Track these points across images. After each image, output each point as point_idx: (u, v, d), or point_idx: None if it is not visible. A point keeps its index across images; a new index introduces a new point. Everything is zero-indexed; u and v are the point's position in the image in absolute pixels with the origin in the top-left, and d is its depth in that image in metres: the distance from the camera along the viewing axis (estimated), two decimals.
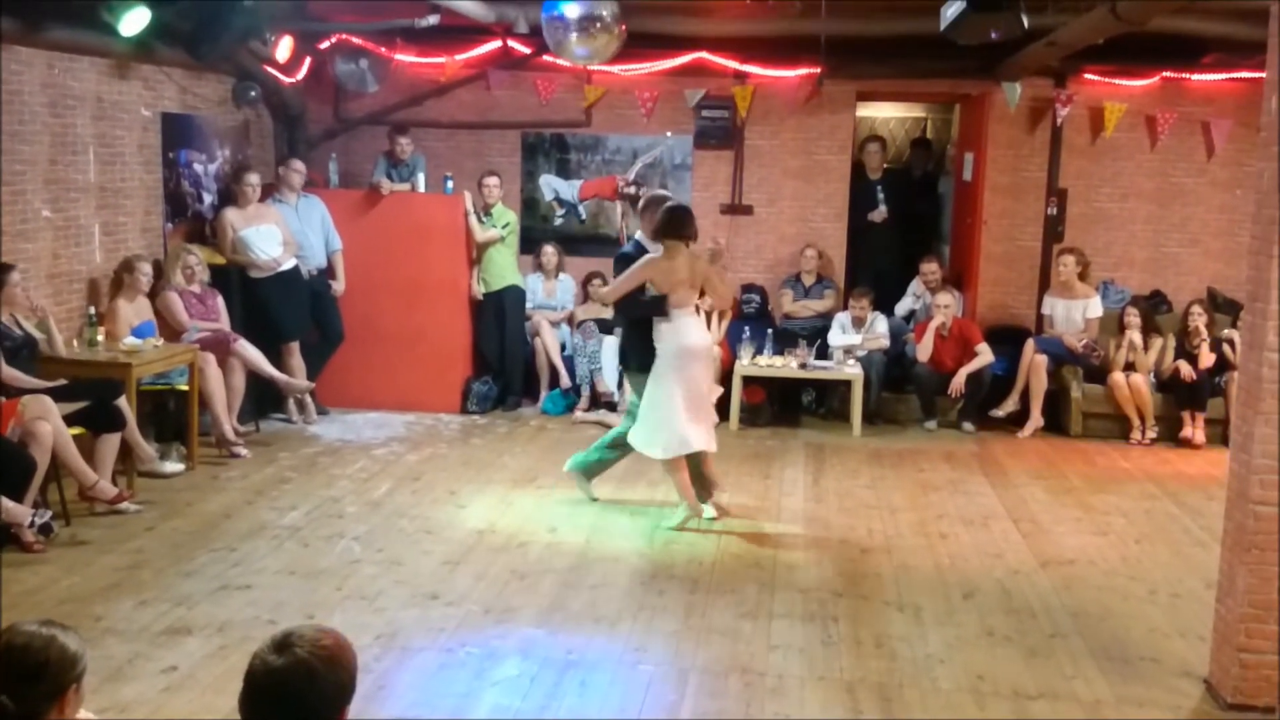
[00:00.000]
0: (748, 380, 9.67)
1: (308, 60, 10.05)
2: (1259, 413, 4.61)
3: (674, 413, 6.75)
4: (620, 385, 9.42)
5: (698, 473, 7.01)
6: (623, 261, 6.96)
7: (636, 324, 6.94)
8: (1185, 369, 9.35)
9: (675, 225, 6.76)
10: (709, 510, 7.04)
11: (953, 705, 4.73)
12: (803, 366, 9.66)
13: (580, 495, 7.39)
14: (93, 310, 7.72)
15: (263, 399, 9.17)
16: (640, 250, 6.91)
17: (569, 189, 10.84)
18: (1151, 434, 9.43)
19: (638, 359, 6.96)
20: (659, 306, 6.76)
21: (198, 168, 9.28)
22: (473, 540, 6.61)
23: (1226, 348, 9.40)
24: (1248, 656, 4.65)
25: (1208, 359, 9.36)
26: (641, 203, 7.23)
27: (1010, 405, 9.76)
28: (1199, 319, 9.49)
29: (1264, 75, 4.71)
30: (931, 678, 4.99)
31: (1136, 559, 6.65)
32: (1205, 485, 8.08)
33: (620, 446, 7.19)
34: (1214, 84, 10.25)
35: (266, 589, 5.79)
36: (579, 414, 9.74)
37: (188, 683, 4.73)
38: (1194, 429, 9.33)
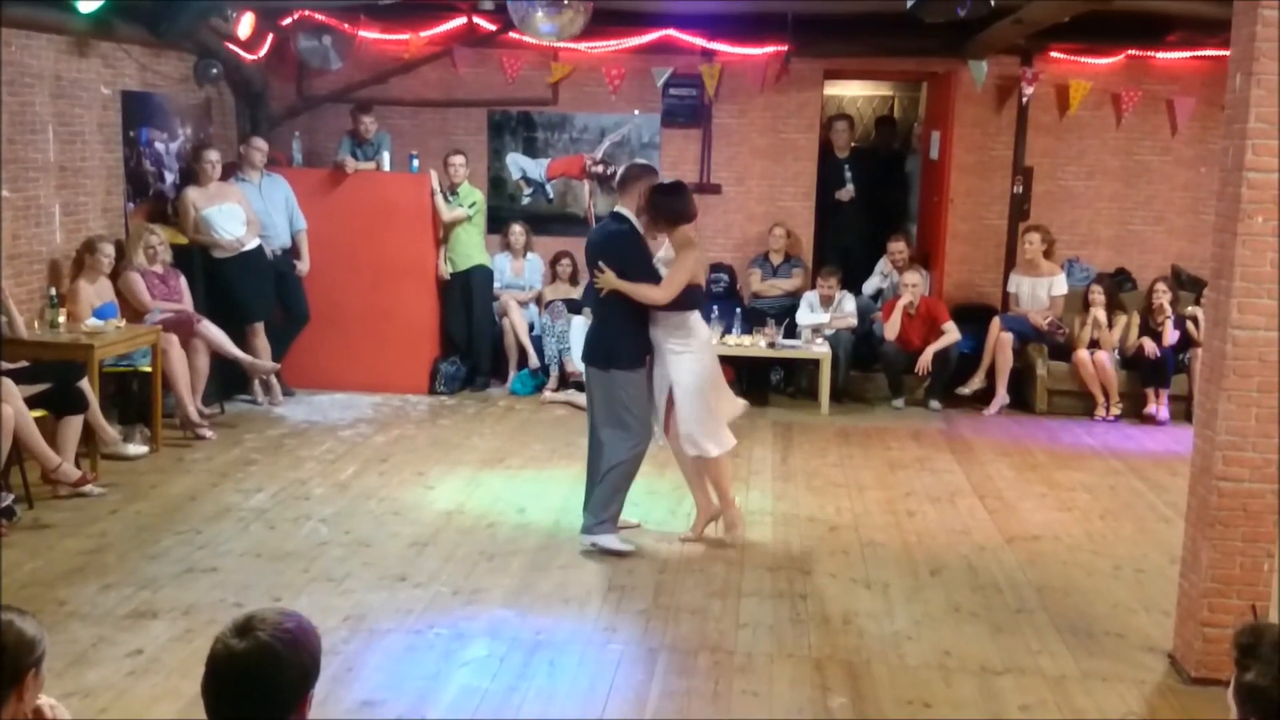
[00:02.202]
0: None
1: (270, 37, 9.94)
2: (1222, 389, 4.64)
3: (712, 406, 6.18)
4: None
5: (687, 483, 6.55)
6: (624, 244, 6.08)
7: (631, 317, 6.09)
8: (1149, 346, 9.42)
9: (690, 208, 6.19)
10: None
11: (920, 681, 4.76)
12: (771, 345, 9.67)
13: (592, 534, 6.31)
14: (54, 291, 7.63)
15: (227, 380, 9.09)
16: (630, 227, 6.09)
17: (536, 168, 10.79)
18: (1116, 411, 9.51)
19: (629, 355, 6.11)
20: (700, 297, 6.24)
21: (159, 146, 9.16)
22: (441, 521, 6.59)
23: (1190, 325, 9.48)
24: (1211, 631, 4.70)
25: (1171, 336, 9.44)
26: (624, 172, 6.35)
27: (976, 383, 9.81)
28: (1163, 296, 9.56)
29: (1228, 53, 4.73)
30: (899, 654, 5.01)
31: (1101, 535, 6.70)
32: (1169, 461, 8.16)
33: (609, 483, 6.22)
34: (1178, 62, 10.31)
35: (232, 572, 5.75)
36: (548, 394, 9.71)
37: (153, 666, 4.69)
38: (1158, 405, 9.41)
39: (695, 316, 6.20)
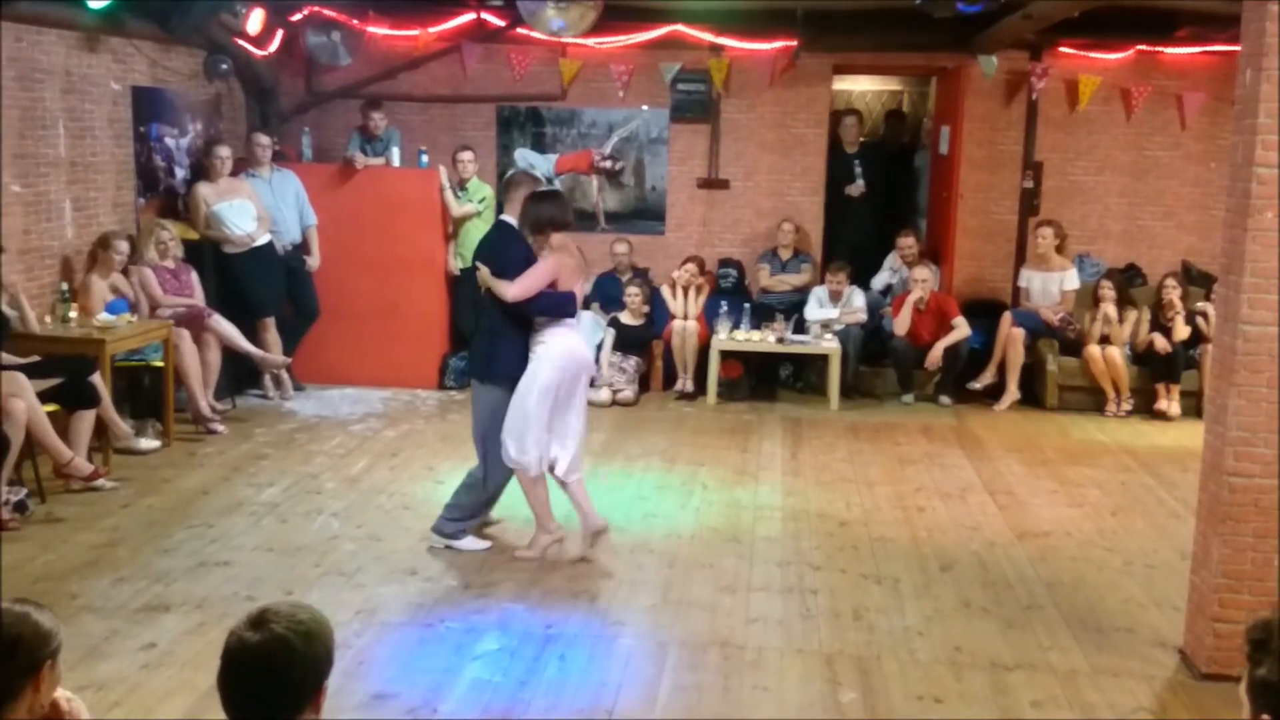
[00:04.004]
0: (725, 355, 9.68)
1: (279, 33, 9.94)
2: (1233, 385, 4.64)
3: (541, 424, 5.83)
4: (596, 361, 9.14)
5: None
6: (498, 244, 6.04)
7: (512, 327, 5.93)
8: (1160, 341, 9.40)
9: (561, 215, 6.01)
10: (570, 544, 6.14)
11: (930, 676, 4.76)
12: (780, 341, 9.67)
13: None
14: (66, 286, 7.65)
15: (239, 375, 9.12)
16: (507, 232, 6.03)
17: (544, 163, 10.78)
18: (1126, 406, 9.50)
19: (506, 368, 5.91)
20: (571, 306, 5.95)
21: (169, 142, 9.19)
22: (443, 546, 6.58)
23: (1200, 320, 9.46)
24: (1222, 626, 4.69)
25: (1182, 332, 9.42)
26: (507, 180, 6.41)
27: (987, 378, 9.80)
28: (1173, 292, 9.54)
29: (1238, 49, 4.72)
30: (910, 649, 5.02)
31: (1112, 530, 6.70)
32: (1180, 457, 8.14)
33: (475, 486, 6.15)
34: (1188, 57, 10.28)
35: (245, 565, 5.77)
36: None
37: (166, 660, 4.71)
38: (1168, 401, 9.39)
39: (558, 330, 5.92)
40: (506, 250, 5.96)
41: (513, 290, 5.79)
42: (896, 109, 13.00)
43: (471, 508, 6.16)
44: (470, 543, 6.13)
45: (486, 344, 6.07)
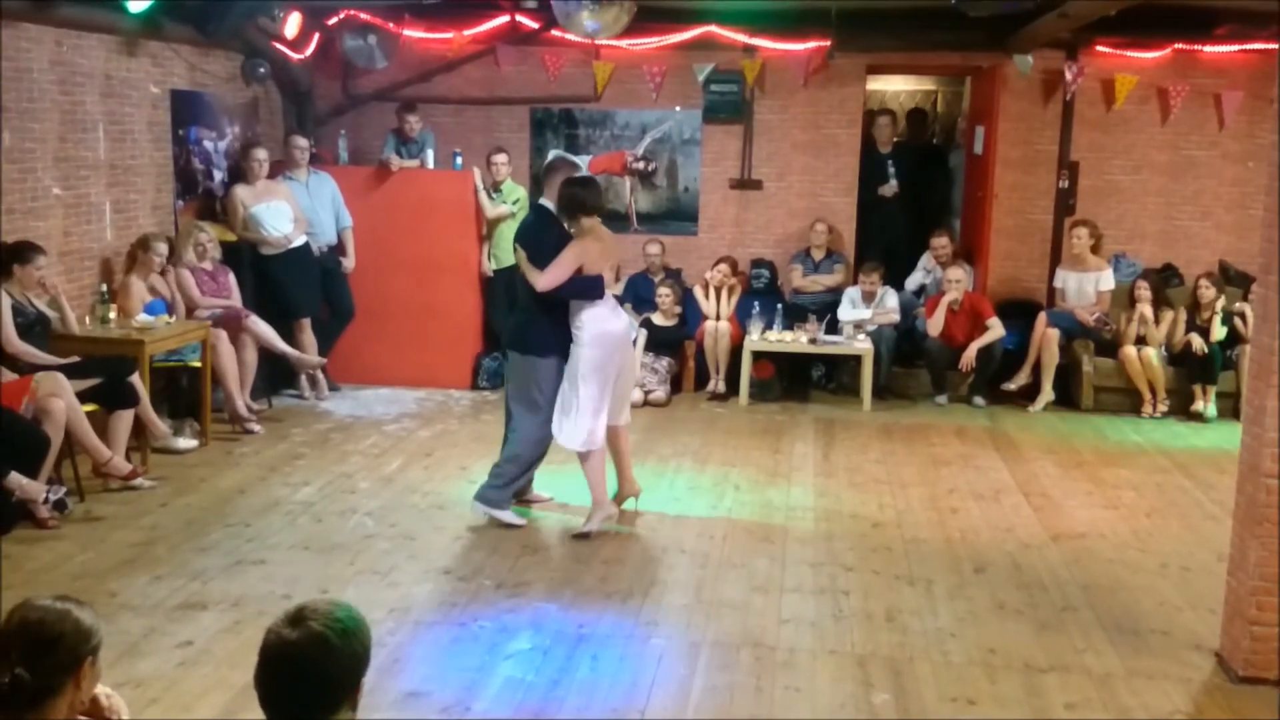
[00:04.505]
0: (757, 355, 9.67)
1: (316, 36, 10.03)
2: (1271, 386, 4.60)
3: (594, 403, 6.26)
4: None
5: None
6: (535, 230, 6.40)
7: (554, 305, 6.27)
8: (1197, 342, 9.32)
9: (592, 200, 6.31)
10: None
11: (964, 678, 4.75)
12: (812, 341, 9.65)
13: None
14: (105, 287, 7.74)
15: (275, 375, 9.20)
16: (544, 216, 6.39)
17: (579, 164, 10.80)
18: (1163, 407, 9.42)
19: (542, 341, 6.31)
20: (597, 289, 6.25)
21: (208, 145, 9.28)
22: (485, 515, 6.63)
23: (1238, 321, 9.37)
24: (1259, 629, 4.66)
25: (1216, 332, 9.34)
26: (546, 165, 6.76)
27: (1021, 379, 9.75)
28: (1207, 292, 9.46)
29: (1277, 47, 4.68)
30: (943, 651, 5.00)
31: (1147, 532, 6.65)
32: (1216, 459, 8.07)
33: (514, 459, 6.51)
34: (1226, 56, 10.17)
35: (280, 564, 5.82)
36: None
37: (203, 657, 4.76)
38: (1205, 402, 9.31)
39: (591, 309, 6.26)
40: (542, 235, 6.31)
41: (542, 281, 6.17)
42: (917, 108, 12.93)
43: (511, 475, 6.51)
44: (510, 516, 6.46)
45: (524, 319, 6.45)
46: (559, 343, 6.31)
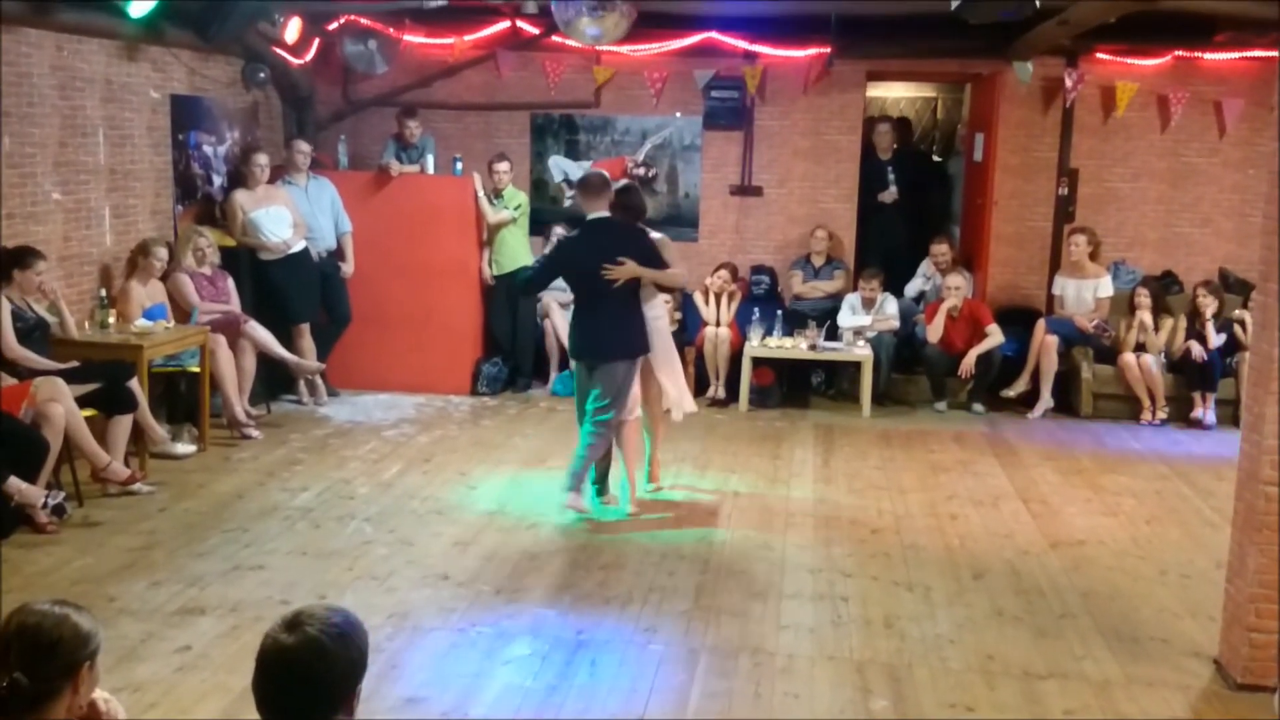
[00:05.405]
0: (757, 361, 9.67)
1: (316, 41, 10.04)
2: (1270, 393, 4.60)
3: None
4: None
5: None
6: (639, 239, 6.77)
7: (639, 306, 6.79)
8: (1196, 349, 9.33)
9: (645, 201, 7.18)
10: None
11: (962, 685, 4.74)
12: (812, 348, 9.65)
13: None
14: (104, 292, 7.74)
15: (273, 381, 9.20)
16: (632, 225, 6.83)
17: (578, 170, 10.80)
18: (1162, 415, 9.42)
19: (645, 342, 6.83)
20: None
21: (207, 149, 9.28)
22: (483, 521, 6.63)
23: (1238, 328, 9.38)
24: (1258, 636, 4.65)
25: (1213, 340, 9.34)
26: (593, 179, 6.84)
27: (1021, 386, 9.75)
28: (1204, 299, 9.46)
29: (1277, 54, 4.69)
30: (941, 658, 5.00)
31: (1147, 539, 6.65)
32: (1215, 466, 8.07)
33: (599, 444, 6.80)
34: (1226, 63, 10.19)
35: (279, 569, 5.82)
36: None
37: (201, 662, 4.76)
38: (1204, 410, 9.31)
39: (654, 298, 6.92)
40: (649, 244, 6.75)
41: (685, 273, 7.19)
42: (903, 116, 12.90)
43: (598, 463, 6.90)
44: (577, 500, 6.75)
45: (626, 325, 6.73)
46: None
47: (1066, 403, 9.76)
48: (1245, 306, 9.44)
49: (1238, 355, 9.19)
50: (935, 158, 12.87)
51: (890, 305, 9.99)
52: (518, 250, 9.94)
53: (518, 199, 9.94)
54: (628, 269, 6.51)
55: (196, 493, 7.04)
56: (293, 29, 9.47)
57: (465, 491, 7.20)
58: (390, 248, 9.69)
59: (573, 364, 7.01)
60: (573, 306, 6.94)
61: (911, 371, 10.10)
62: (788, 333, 9.84)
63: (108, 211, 8.12)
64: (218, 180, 9.41)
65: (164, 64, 8.71)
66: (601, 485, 6.99)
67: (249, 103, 9.94)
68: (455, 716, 4.39)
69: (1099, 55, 10.24)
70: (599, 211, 6.70)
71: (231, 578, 5.69)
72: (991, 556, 6.28)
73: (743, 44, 10.32)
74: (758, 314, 9.77)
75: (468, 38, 10.36)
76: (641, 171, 10.64)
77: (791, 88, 10.54)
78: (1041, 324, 9.80)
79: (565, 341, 9.88)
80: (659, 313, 6.91)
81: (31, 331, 6.84)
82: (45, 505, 6.14)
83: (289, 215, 9.09)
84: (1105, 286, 9.85)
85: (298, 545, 6.17)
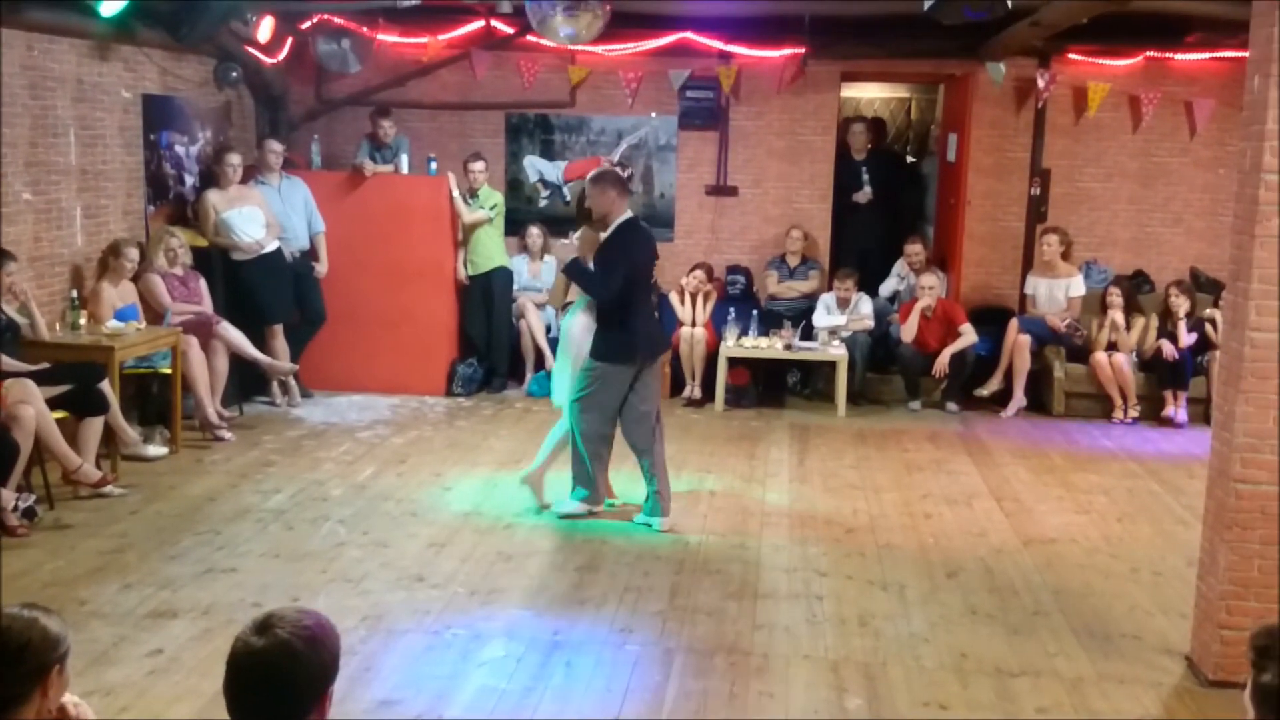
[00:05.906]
0: (733, 361, 9.68)
1: (289, 41, 9.99)
2: (1240, 391, 4.63)
3: None
4: None
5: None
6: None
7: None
8: (1167, 348, 9.39)
9: None
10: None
11: (936, 683, 4.76)
12: (788, 347, 9.67)
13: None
14: (75, 293, 7.68)
15: (246, 382, 9.14)
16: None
17: (554, 170, 10.81)
18: (1134, 413, 9.48)
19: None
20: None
21: (179, 149, 9.23)
22: (458, 522, 6.61)
23: (1208, 327, 9.45)
24: (1228, 633, 4.68)
25: (1186, 338, 9.41)
26: (610, 176, 6.77)
27: (994, 385, 9.79)
28: (1175, 299, 9.53)
29: (1247, 54, 4.73)
30: (915, 656, 5.01)
31: (1118, 537, 6.69)
32: (1187, 464, 8.13)
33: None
34: (1197, 63, 10.27)
35: (251, 572, 5.78)
36: None
37: (173, 666, 4.73)
38: (1176, 408, 9.37)
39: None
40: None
41: None
42: (877, 116, 12.93)
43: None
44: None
45: (650, 324, 6.80)
46: None
47: (1039, 401, 9.81)
48: (1216, 305, 9.50)
49: (1209, 354, 9.26)
50: (909, 158, 12.94)
51: (865, 305, 10.02)
52: (493, 250, 9.92)
53: (493, 199, 9.92)
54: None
55: (168, 495, 7.00)
56: (265, 28, 9.42)
57: (440, 493, 7.17)
58: (364, 248, 9.65)
59: (597, 369, 6.46)
60: (609, 311, 6.44)
61: (886, 371, 10.14)
62: (763, 332, 9.86)
63: (79, 212, 8.05)
64: (190, 180, 9.35)
65: (136, 63, 8.65)
66: (594, 487, 6.88)
67: (221, 102, 9.88)
68: (430, 718, 4.38)
69: (1071, 56, 10.30)
70: (627, 212, 6.59)
71: (204, 580, 5.66)
72: (965, 555, 6.31)
73: (718, 44, 10.33)
74: (733, 314, 9.79)
75: (442, 37, 10.34)
76: (617, 172, 10.62)
77: (766, 88, 10.56)
78: (1014, 323, 9.85)
79: (541, 342, 9.91)
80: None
81: (2, 333, 6.78)
82: (16, 508, 6.10)
83: (262, 215, 9.04)
84: (1077, 286, 9.90)
85: (271, 547, 6.14)
